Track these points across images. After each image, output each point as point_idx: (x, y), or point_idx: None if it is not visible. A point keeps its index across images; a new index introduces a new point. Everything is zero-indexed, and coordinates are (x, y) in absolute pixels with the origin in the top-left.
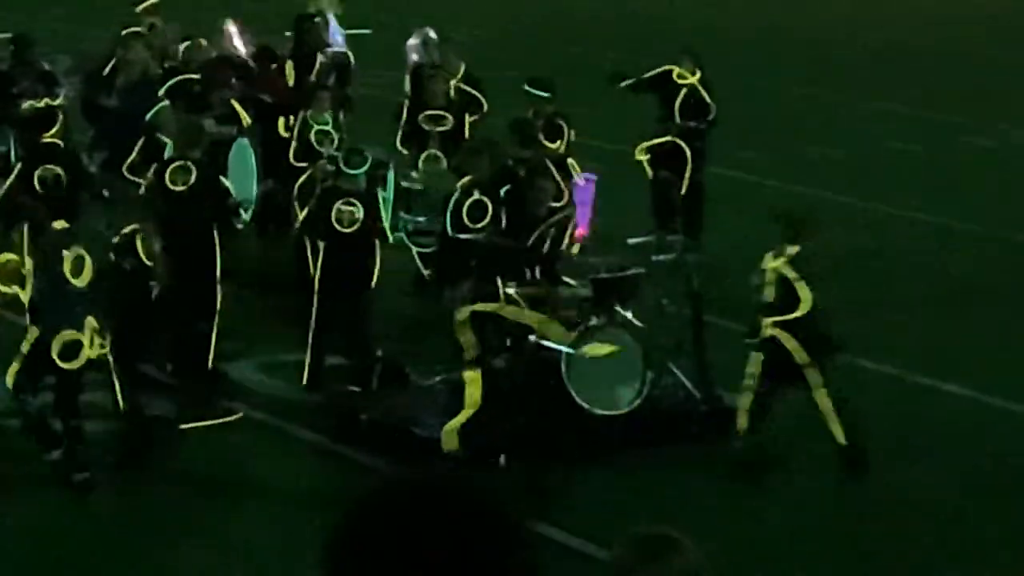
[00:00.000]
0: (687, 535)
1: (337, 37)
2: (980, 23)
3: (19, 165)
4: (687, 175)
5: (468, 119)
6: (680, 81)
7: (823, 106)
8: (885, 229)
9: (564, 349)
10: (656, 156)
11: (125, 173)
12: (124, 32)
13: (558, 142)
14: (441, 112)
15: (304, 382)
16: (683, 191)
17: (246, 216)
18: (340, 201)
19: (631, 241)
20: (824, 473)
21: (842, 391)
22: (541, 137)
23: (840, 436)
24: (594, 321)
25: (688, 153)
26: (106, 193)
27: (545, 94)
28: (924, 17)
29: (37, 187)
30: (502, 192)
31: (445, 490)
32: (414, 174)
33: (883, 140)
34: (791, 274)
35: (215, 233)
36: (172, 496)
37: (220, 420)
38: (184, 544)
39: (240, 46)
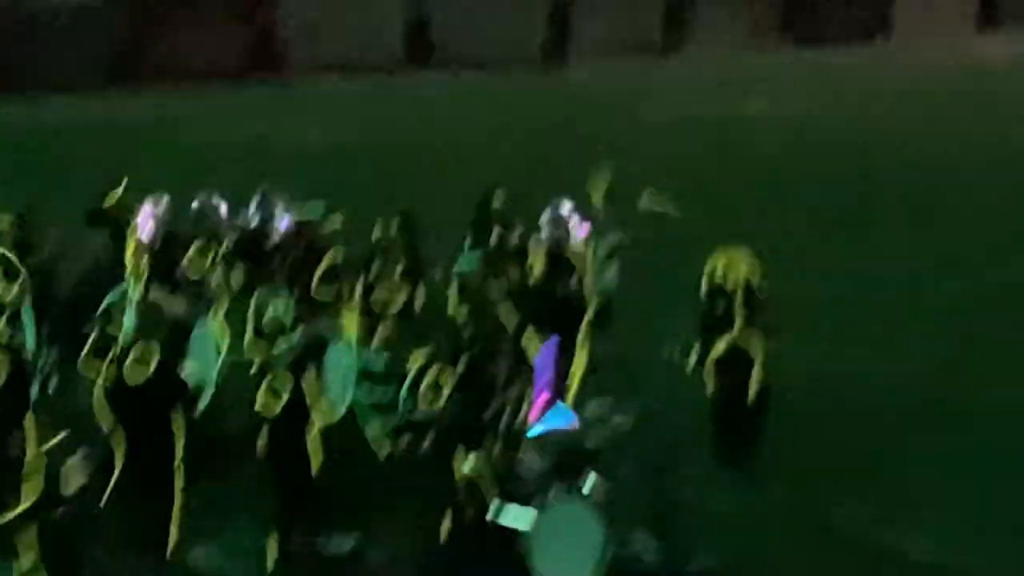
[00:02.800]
0: None
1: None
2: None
3: None
4: (754, 380)
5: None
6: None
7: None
8: None
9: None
10: (719, 364)
11: (80, 369)
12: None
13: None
14: (394, 290)
15: (270, 565)
16: (751, 397)
17: (202, 405)
18: (267, 379)
19: (589, 410)
20: None
21: None
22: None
23: None
24: (552, 494)
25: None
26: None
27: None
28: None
29: None
30: (459, 365)
31: None
32: (369, 350)
33: None
34: None
35: (172, 419)
36: None
37: None
38: None
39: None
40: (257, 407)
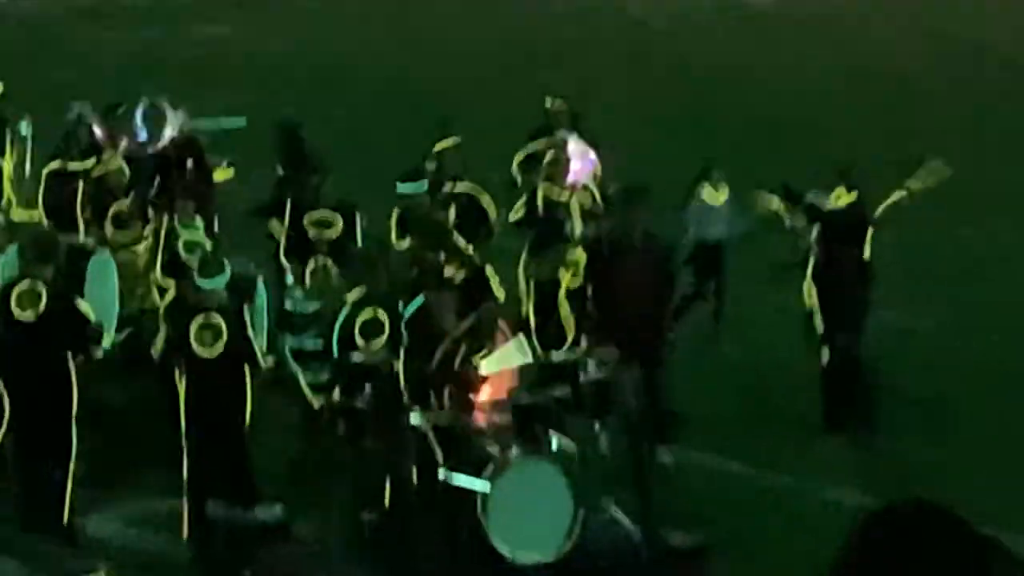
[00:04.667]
0: None
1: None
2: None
3: None
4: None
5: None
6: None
7: None
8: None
9: (480, 487)
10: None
11: None
12: None
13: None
14: (329, 215)
15: (185, 534)
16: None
17: (107, 342)
18: (199, 319)
19: (555, 356)
20: None
21: None
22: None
23: None
24: (514, 452)
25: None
26: None
27: (422, 191)
28: None
29: None
30: (401, 306)
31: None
32: (298, 289)
33: None
34: None
35: (71, 365)
36: None
37: None
38: None
39: None
40: (195, 350)
